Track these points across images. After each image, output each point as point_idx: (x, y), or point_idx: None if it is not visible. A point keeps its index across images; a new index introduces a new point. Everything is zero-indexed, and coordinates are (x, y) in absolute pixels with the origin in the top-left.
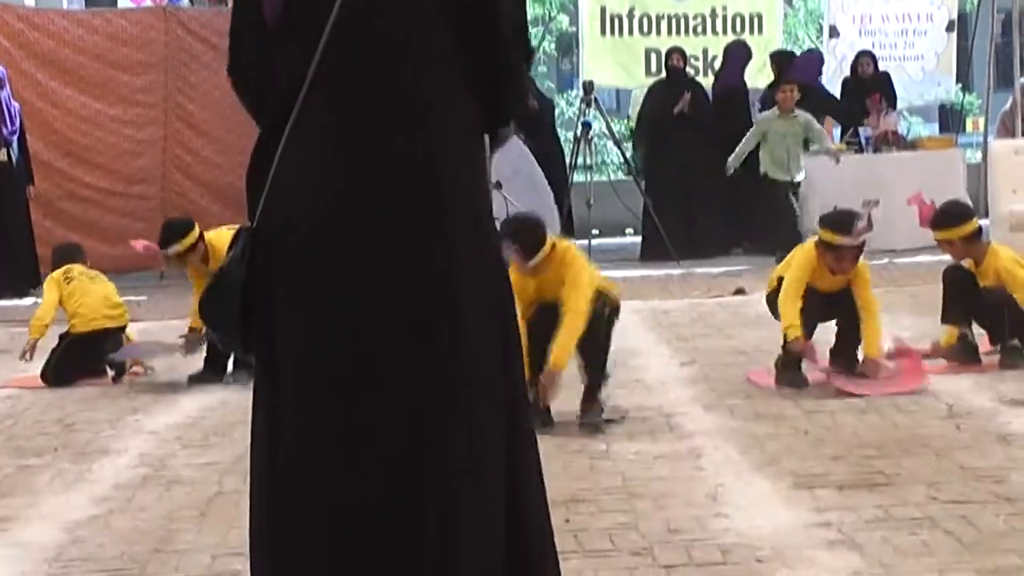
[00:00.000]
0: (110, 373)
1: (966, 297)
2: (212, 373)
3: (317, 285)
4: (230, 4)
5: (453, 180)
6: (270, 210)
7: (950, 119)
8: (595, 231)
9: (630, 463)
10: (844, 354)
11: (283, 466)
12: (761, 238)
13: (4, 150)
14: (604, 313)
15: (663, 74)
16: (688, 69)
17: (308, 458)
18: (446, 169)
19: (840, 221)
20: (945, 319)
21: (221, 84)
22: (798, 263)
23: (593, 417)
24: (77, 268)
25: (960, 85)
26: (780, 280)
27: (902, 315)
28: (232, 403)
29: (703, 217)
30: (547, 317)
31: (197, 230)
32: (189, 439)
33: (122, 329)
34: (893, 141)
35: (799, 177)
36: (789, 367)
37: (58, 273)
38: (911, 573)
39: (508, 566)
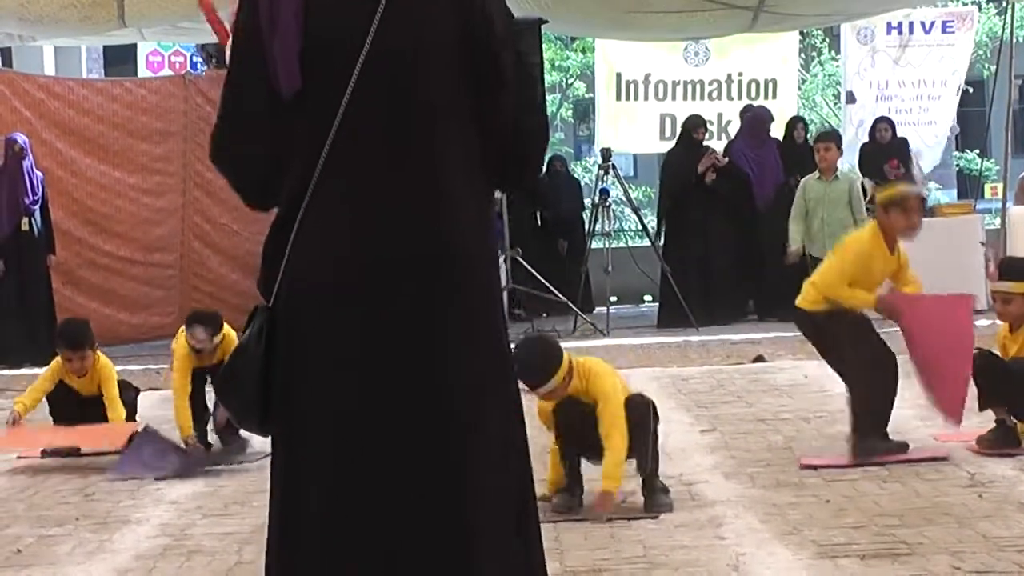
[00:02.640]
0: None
1: (998, 381)
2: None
3: (341, 354)
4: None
5: (468, 249)
6: (290, 284)
7: (968, 185)
8: (613, 298)
9: (651, 532)
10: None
11: (302, 538)
12: (771, 305)
13: (26, 219)
14: (647, 409)
15: (676, 139)
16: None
17: (330, 528)
18: (461, 238)
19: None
20: (983, 407)
21: None
22: (849, 248)
23: (661, 502)
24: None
25: (977, 151)
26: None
27: None
28: (252, 471)
29: (719, 283)
30: (575, 424)
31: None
32: (209, 508)
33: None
34: None
35: None
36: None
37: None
38: None
39: None
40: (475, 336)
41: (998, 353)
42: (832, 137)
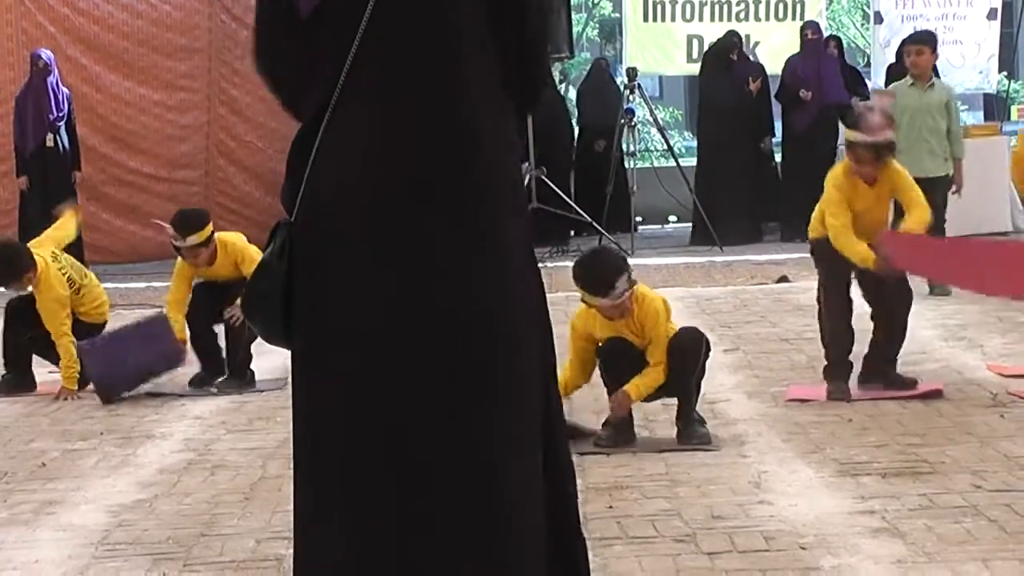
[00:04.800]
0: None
1: None
2: (212, 375)
3: (361, 266)
4: None
5: (489, 159)
6: (311, 200)
7: (995, 107)
8: (638, 219)
9: (673, 450)
10: (882, 355)
11: (327, 451)
12: (795, 226)
13: (51, 136)
14: (698, 342)
15: (707, 60)
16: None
17: (354, 442)
18: (482, 148)
19: (856, 116)
20: None
21: None
22: (827, 188)
23: (697, 431)
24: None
25: (1005, 73)
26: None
27: (946, 301)
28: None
29: (744, 203)
30: (620, 350)
31: (211, 226)
32: (233, 424)
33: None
34: None
35: (941, 172)
36: (837, 379)
37: (61, 288)
38: (955, 561)
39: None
40: (496, 260)
41: None
42: (924, 39)
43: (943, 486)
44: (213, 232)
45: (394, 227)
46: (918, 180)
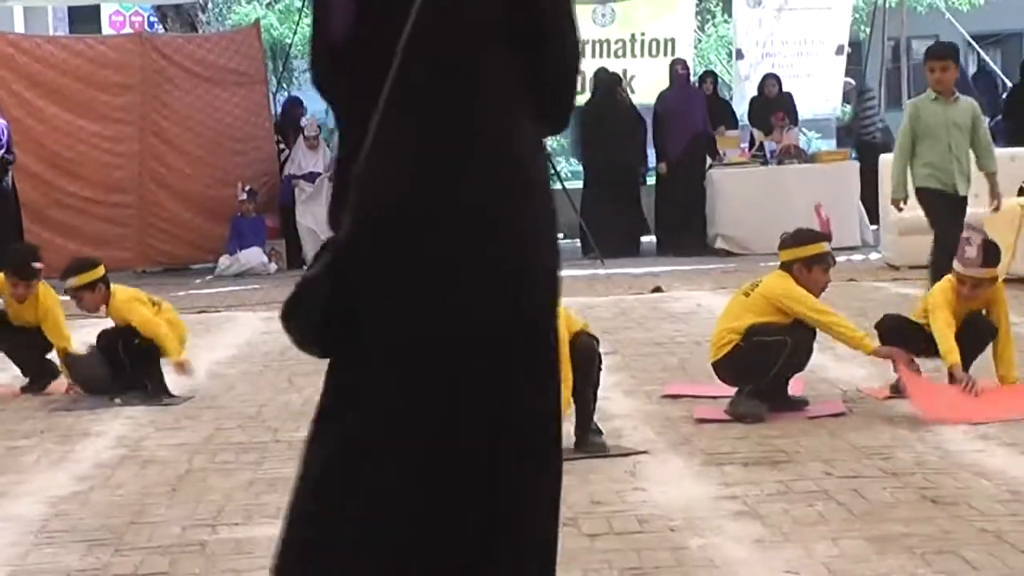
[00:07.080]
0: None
1: (907, 340)
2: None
3: (408, 279)
4: (200, 32)
5: (521, 180)
6: (354, 220)
7: (846, 135)
8: None
9: (572, 459)
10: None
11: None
12: (669, 241)
13: None
14: (595, 351)
15: (593, 93)
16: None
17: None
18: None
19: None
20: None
21: (192, 103)
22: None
23: (594, 440)
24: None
25: (849, 104)
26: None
27: None
28: (201, 390)
29: (623, 221)
30: None
31: (100, 271)
32: (162, 423)
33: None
34: (794, 154)
35: (966, 191)
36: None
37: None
38: (808, 540)
39: None
40: (531, 277)
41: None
42: (948, 54)
43: (797, 473)
44: (101, 282)
45: (432, 253)
46: (943, 195)
